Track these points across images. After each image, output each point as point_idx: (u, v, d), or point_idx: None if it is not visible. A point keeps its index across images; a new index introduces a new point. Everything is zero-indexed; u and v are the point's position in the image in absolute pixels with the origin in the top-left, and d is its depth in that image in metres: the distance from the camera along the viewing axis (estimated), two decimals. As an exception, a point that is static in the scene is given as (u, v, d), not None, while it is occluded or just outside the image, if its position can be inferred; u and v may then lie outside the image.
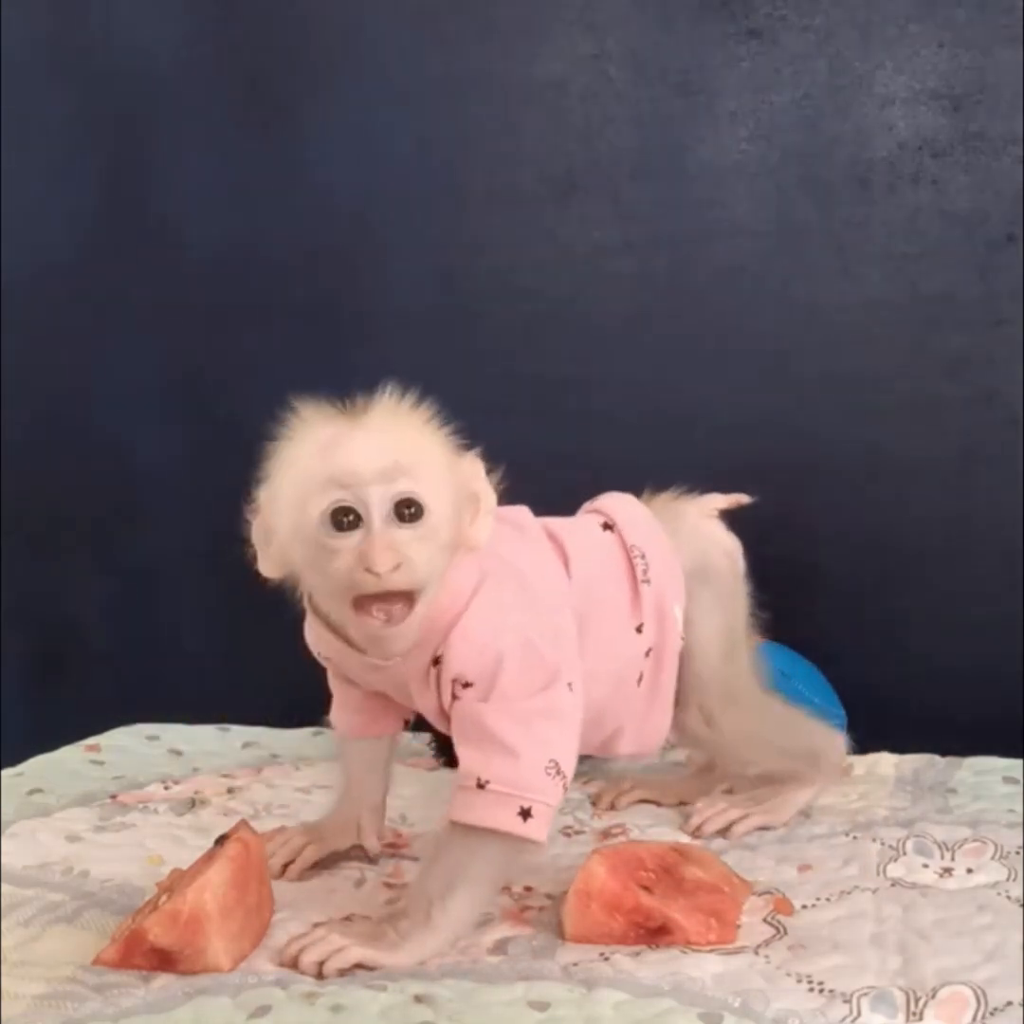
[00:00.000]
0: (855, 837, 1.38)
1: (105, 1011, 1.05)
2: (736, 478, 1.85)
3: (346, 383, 1.98)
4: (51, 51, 2.00)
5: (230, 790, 1.56)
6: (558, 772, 1.13)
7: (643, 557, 1.31)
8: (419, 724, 1.71)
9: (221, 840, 1.18)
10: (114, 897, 1.26)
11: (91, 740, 1.71)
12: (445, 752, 1.65)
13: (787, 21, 1.80)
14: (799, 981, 1.08)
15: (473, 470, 1.19)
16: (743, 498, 1.41)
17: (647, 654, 1.31)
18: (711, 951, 1.13)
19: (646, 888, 1.17)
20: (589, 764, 1.65)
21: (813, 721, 1.45)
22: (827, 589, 1.85)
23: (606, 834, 1.42)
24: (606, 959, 1.12)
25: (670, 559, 1.33)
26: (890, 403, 1.81)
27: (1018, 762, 1.58)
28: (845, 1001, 1.05)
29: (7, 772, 1.56)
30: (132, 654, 2.06)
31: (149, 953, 1.11)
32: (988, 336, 1.78)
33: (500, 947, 1.15)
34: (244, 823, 1.21)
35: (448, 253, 1.91)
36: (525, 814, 1.12)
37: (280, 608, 1.95)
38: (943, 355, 1.79)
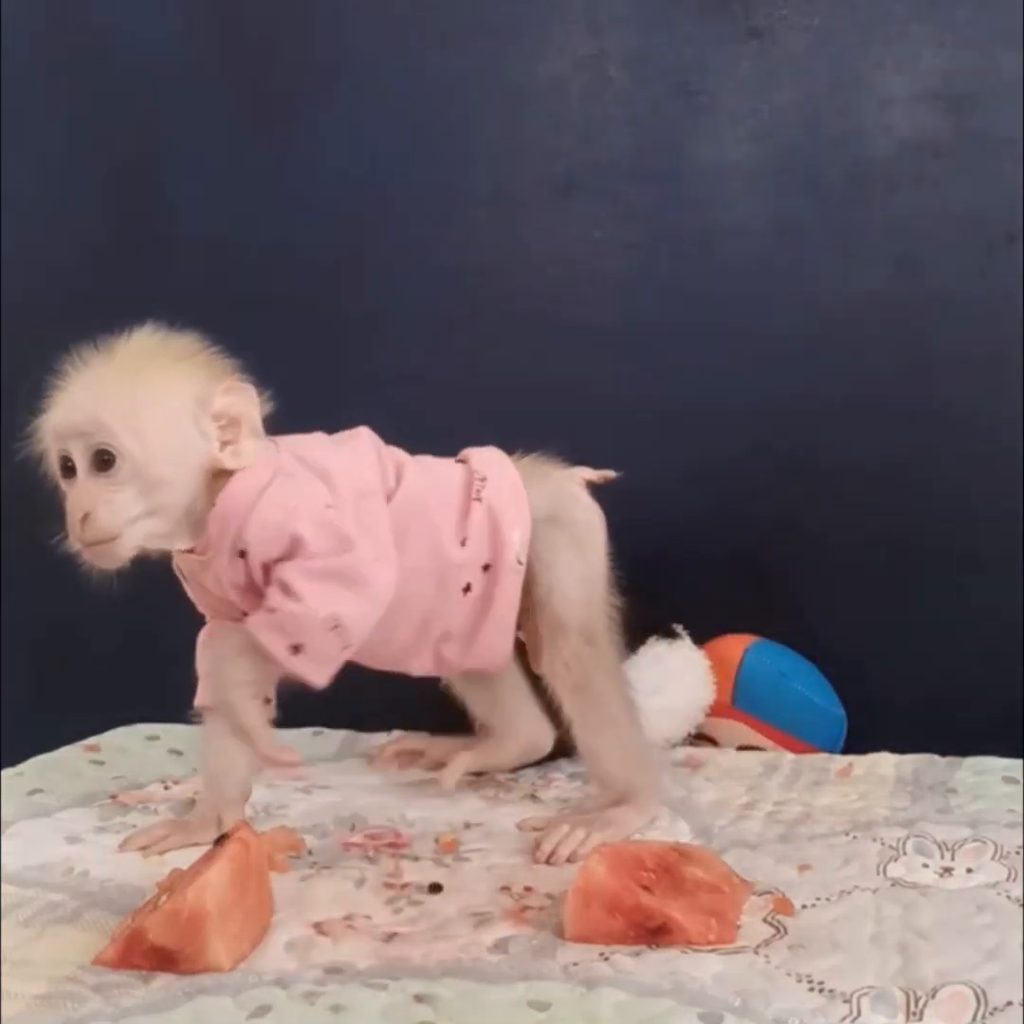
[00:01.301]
0: (855, 837, 1.38)
1: (105, 1011, 1.05)
2: (736, 478, 1.86)
3: (346, 383, 2.00)
4: (51, 51, 2.00)
5: (230, 790, 1.56)
6: (338, 627, 1.30)
7: (483, 480, 1.42)
8: (419, 724, 1.72)
9: (221, 840, 1.18)
10: (114, 897, 1.26)
11: (91, 740, 1.71)
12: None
13: (787, 21, 1.80)
14: (799, 981, 1.08)
15: (234, 397, 1.32)
16: (610, 474, 1.49)
17: (485, 569, 1.41)
18: (711, 951, 1.13)
19: (646, 888, 1.17)
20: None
21: (648, 744, 1.49)
22: (827, 589, 1.85)
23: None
24: (606, 959, 1.12)
25: (517, 492, 1.43)
26: (891, 402, 1.81)
27: (1018, 762, 1.58)
28: (845, 1001, 1.05)
29: (7, 772, 1.56)
30: (132, 654, 2.06)
31: (149, 953, 1.11)
32: (988, 336, 1.78)
33: (500, 947, 1.15)
34: (244, 823, 1.22)
35: (447, 253, 1.91)
36: (296, 649, 1.29)
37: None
38: (943, 355, 1.79)
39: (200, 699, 1.40)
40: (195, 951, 1.10)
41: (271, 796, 1.54)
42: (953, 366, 1.79)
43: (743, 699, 1.77)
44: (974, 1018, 1.02)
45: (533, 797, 1.54)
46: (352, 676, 1.89)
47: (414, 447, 1.93)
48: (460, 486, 1.43)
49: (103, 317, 2.03)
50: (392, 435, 1.94)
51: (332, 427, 1.95)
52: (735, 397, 1.85)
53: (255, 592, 1.33)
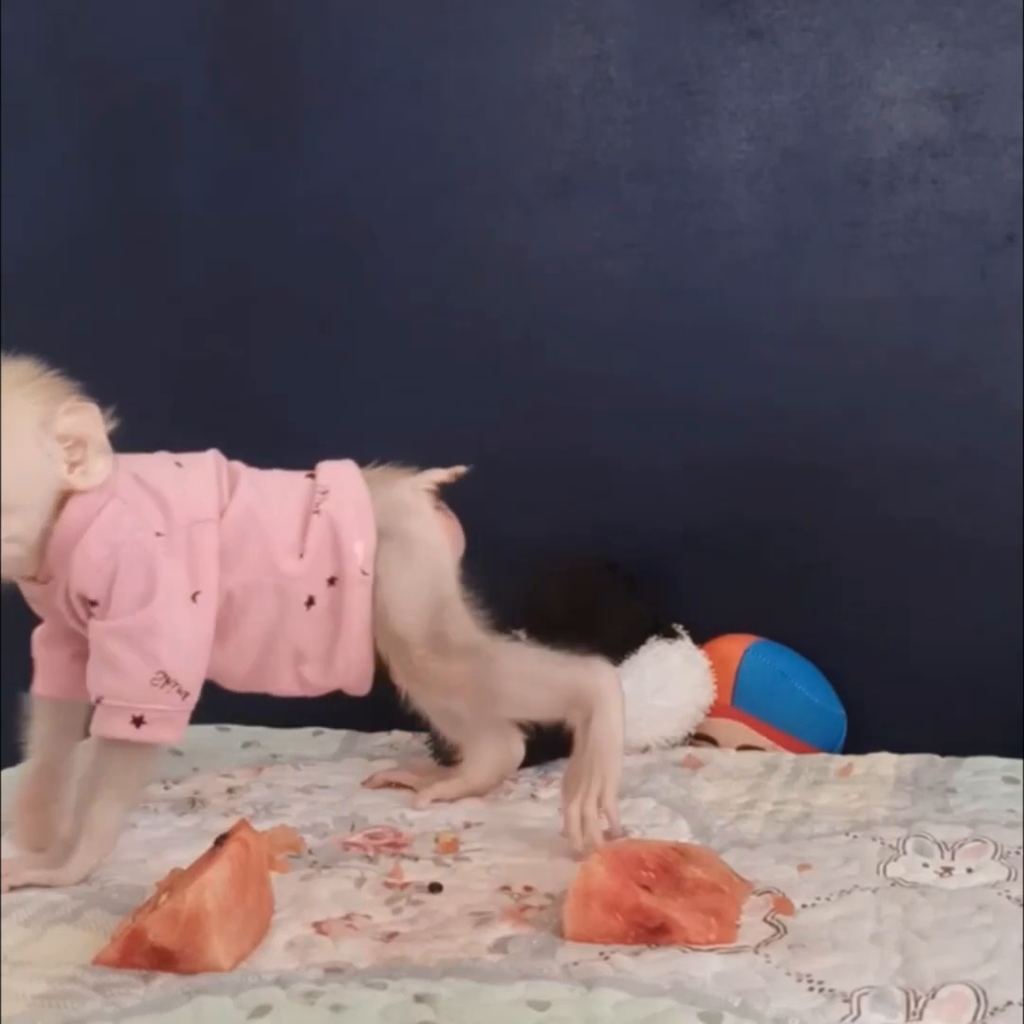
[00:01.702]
0: (855, 836, 1.38)
1: (105, 1011, 1.05)
2: (736, 478, 1.86)
3: (345, 382, 2.00)
4: (51, 51, 2.00)
5: (230, 790, 1.56)
6: (167, 681, 1.30)
7: (323, 493, 1.42)
8: (418, 725, 1.72)
9: (221, 840, 1.18)
10: (114, 897, 1.26)
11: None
12: (444, 752, 1.65)
13: (787, 21, 1.80)
14: (799, 980, 1.08)
15: (76, 416, 1.31)
16: (460, 470, 1.49)
17: (331, 582, 1.40)
18: (711, 950, 1.13)
19: (646, 887, 1.17)
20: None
21: (552, 666, 1.43)
22: (827, 589, 1.85)
23: (606, 835, 1.42)
24: (606, 958, 1.12)
25: (361, 504, 1.42)
26: (890, 403, 1.81)
27: (1018, 762, 1.58)
28: (845, 1000, 1.05)
29: (7, 772, 1.56)
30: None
31: (149, 952, 1.11)
32: (988, 336, 1.78)
33: (500, 946, 1.16)
34: (244, 823, 1.22)
35: (448, 253, 1.91)
36: (138, 722, 1.29)
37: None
38: (943, 355, 1.79)
39: (36, 688, 1.42)
40: (195, 951, 1.10)
41: (271, 796, 1.54)
42: (953, 366, 1.79)
43: (743, 699, 1.77)
44: (974, 1018, 1.03)
45: (533, 797, 1.54)
46: (352, 676, 1.90)
47: (414, 446, 1.94)
48: (299, 500, 1.42)
49: (103, 317, 2.04)
50: (392, 434, 1.95)
51: (332, 426, 1.96)
52: (735, 397, 1.84)
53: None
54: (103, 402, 2.02)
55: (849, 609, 1.84)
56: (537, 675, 1.43)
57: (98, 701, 1.30)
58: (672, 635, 1.77)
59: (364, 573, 1.41)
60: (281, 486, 1.43)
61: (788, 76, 1.80)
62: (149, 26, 1.96)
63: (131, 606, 1.30)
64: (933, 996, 1.05)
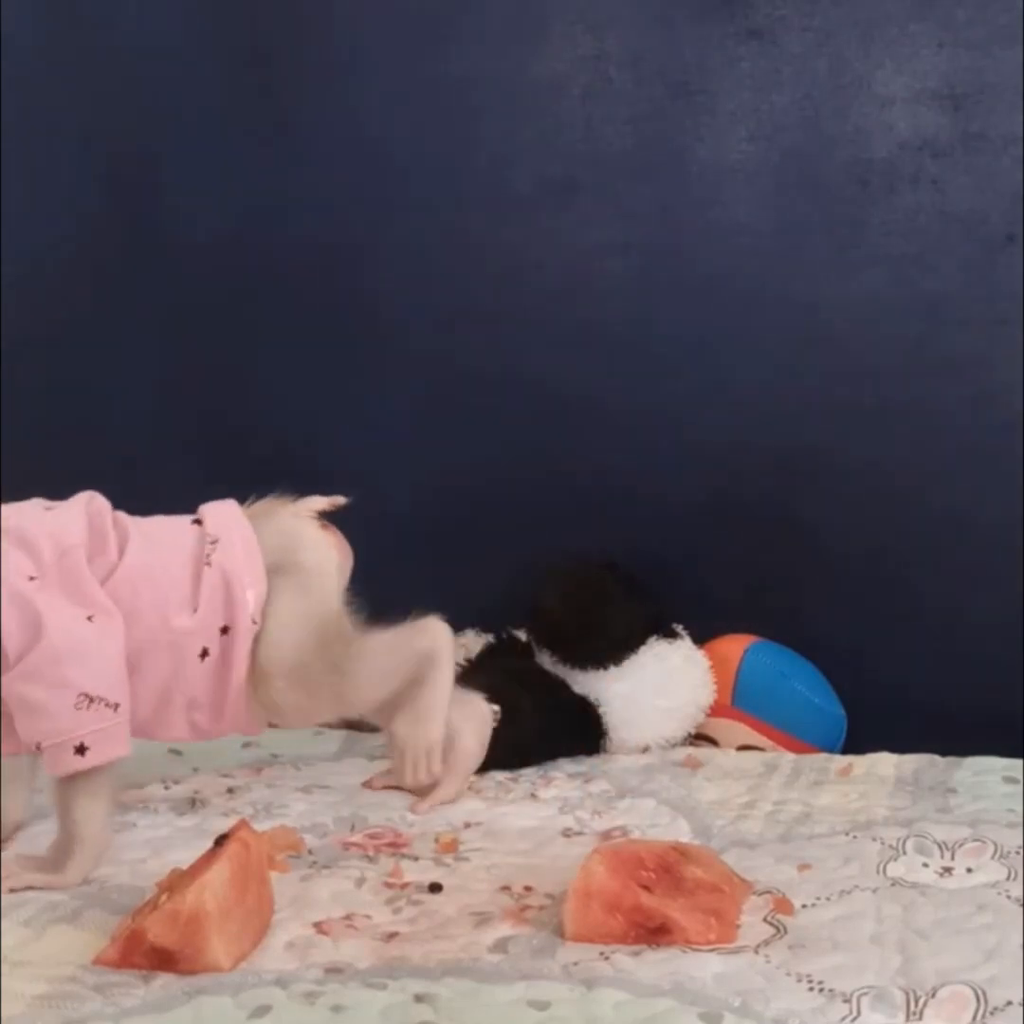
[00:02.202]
0: (855, 837, 1.38)
1: (105, 1011, 1.05)
2: (736, 477, 1.86)
3: (345, 382, 2.00)
4: (51, 51, 2.00)
5: (230, 790, 1.56)
6: (91, 701, 1.30)
7: (213, 543, 1.43)
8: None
9: (221, 840, 1.18)
10: (114, 897, 1.26)
11: (91, 740, 1.71)
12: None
13: (787, 21, 1.80)
14: (799, 980, 1.08)
15: None
16: (339, 500, 1.51)
17: (224, 631, 1.41)
18: (711, 950, 1.13)
19: (646, 888, 1.17)
20: (588, 764, 1.66)
21: (389, 645, 1.50)
22: (827, 589, 1.85)
23: (606, 835, 1.42)
24: (606, 958, 1.12)
25: (251, 550, 1.44)
26: (890, 403, 1.81)
27: (1018, 762, 1.58)
28: (845, 1000, 1.05)
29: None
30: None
31: (149, 953, 1.11)
32: (988, 336, 1.78)
33: (500, 946, 1.16)
34: (244, 823, 1.22)
35: (448, 253, 1.91)
36: (81, 750, 1.29)
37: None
38: (943, 355, 1.79)
39: None
40: (195, 951, 1.10)
41: (272, 796, 1.54)
42: (953, 366, 1.79)
43: (743, 699, 1.77)
44: (974, 1017, 1.03)
45: (533, 796, 1.54)
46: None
47: (413, 445, 1.95)
48: (190, 552, 1.42)
49: (103, 317, 2.04)
50: (392, 434, 1.95)
51: (332, 425, 1.96)
52: (735, 397, 1.84)
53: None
54: (101, 401, 2.04)
55: (849, 609, 1.84)
56: (386, 669, 1.48)
57: (38, 748, 1.31)
58: (672, 635, 1.77)
59: (254, 622, 1.42)
60: (170, 538, 1.44)
61: (788, 76, 1.80)
62: (149, 27, 1.96)
63: (25, 648, 1.30)
64: (933, 996, 1.05)
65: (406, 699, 1.49)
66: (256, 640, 1.43)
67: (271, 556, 1.44)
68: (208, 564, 1.41)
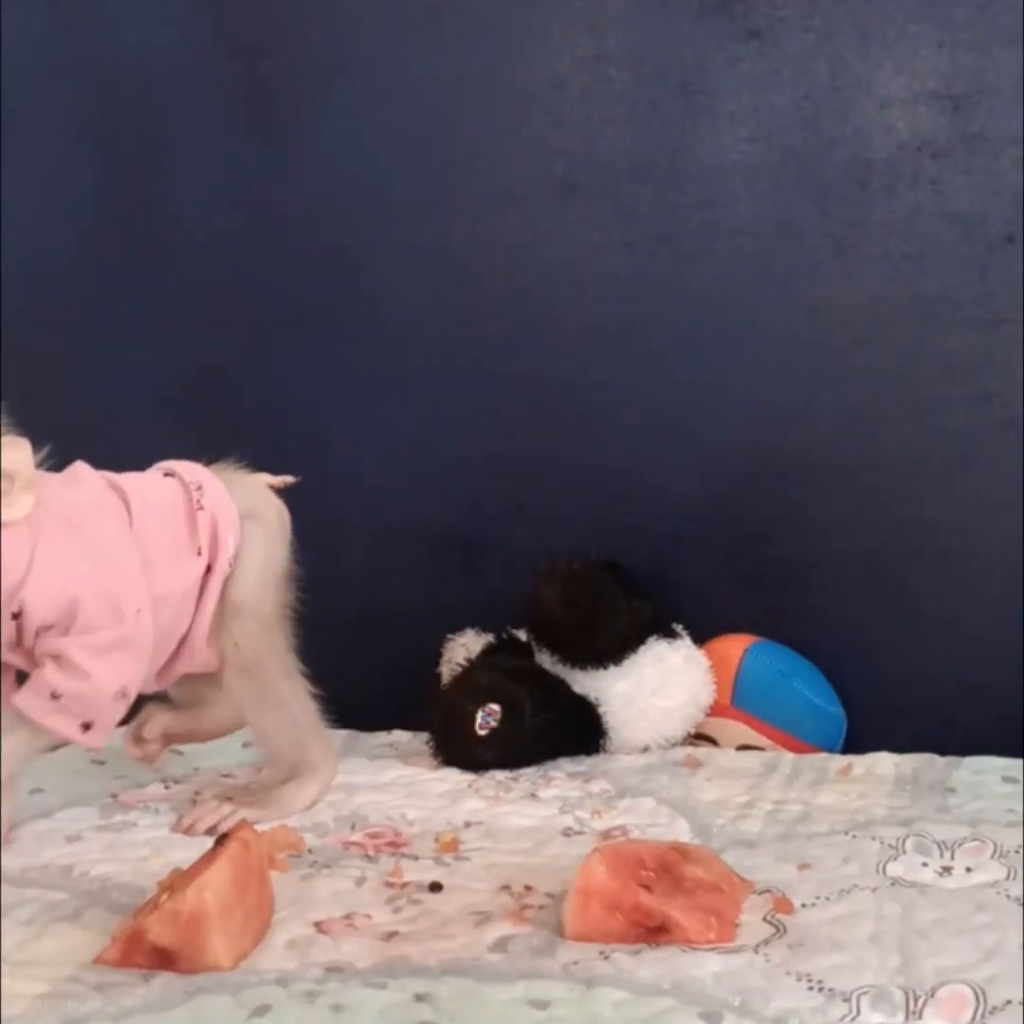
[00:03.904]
0: (854, 836, 1.38)
1: (106, 1010, 1.05)
2: (736, 477, 1.86)
3: (345, 382, 2.00)
4: (51, 51, 2.00)
5: (230, 790, 1.56)
6: (124, 695, 1.36)
7: (199, 488, 1.47)
8: (419, 724, 1.72)
9: (221, 840, 1.18)
10: (115, 896, 1.26)
11: (92, 740, 1.71)
12: (445, 751, 1.65)
13: (787, 21, 1.80)
14: (799, 980, 1.08)
15: (11, 452, 1.34)
16: (289, 479, 1.56)
17: (207, 571, 1.46)
18: (711, 950, 1.13)
19: (646, 887, 1.17)
20: (588, 764, 1.66)
21: (319, 723, 1.53)
22: (827, 589, 1.85)
23: (606, 835, 1.42)
24: (606, 958, 1.12)
25: (225, 497, 1.48)
26: (890, 403, 1.81)
27: (1017, 762, 1.58)
28: (845, 1000, 1.05)
29: (8, 772, 1.56)
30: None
31: (150, 952, 1.11)
32: (988, 336, 1.78)
33: (500, 946, 1.16)
34: (244, 823, 1.22)
35: (448, 253, 1.91)
36: (86, 727, 1.34)
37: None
38: (943, 355, 1.79)
39: None
40: (195, 950, 1.10)
41: (271, 795, 1.54)
42: (953, 366, 1.79)
43: (743, 699, 1.77)
44: (974, 1017, 1.03)
45: (533, 796, 1.55)
46: (352, 676, 1.90)
47: (413, 444, 1.95)
48: (183, 499, 1.46)
49: (103, 317, 2.04)
50: (392, 433, 1.95)
51: (332, 424, 1.96)
52: (735, 397, 1.85)
53: (27, 651, 1.36)
54: (101, 402, 2.04)
55: (849, 609, 1.85)
56: (306, 718, 1.51)
57: (55, 697, 1.33)
58: (672, 635, 1.77)
59: (230, 566, 1.47)
60: (158, 488, 1.47)
61: (788, 76, 1.80)
62: (149, 26, 1.96)
63: (100, 626, 1.33)
64: (933, 995, 1.05)
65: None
66: (228, 581, 1.47)
67: (241, 503, 1.49)
68: (201, 507, 1.45)
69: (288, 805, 1.48)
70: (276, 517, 1.53)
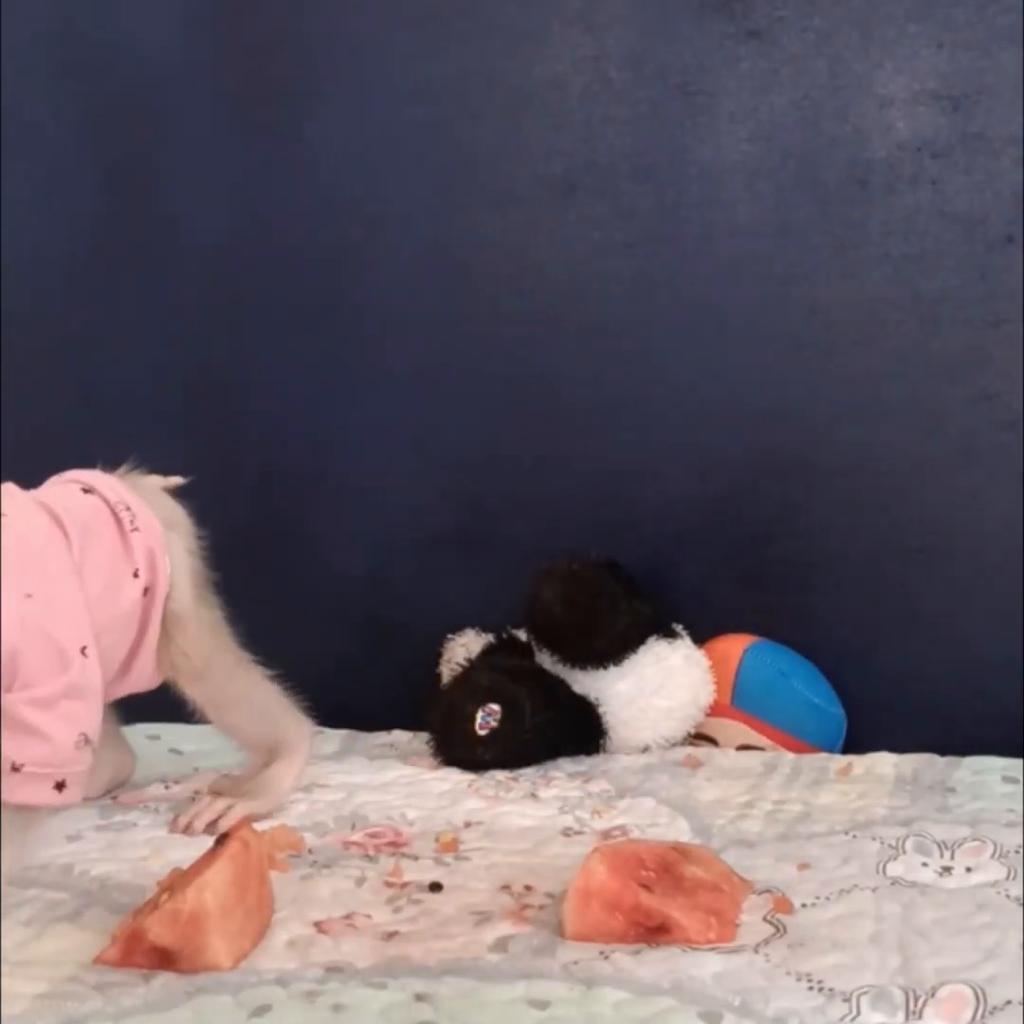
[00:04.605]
0: (854, 836, 1.38)
1: (106, 1010, 1.05)
2: (736, 477, 1.86)
3: (345, 382, 2.00)
4: (51, 51, 2.00)
5: (230, 790, 1.56)
6: (87, 742, 1.28)
7: (128, 509, 1.43)
8: (419, 724, 1.72)
9: (221, 840, 1.18)
10: (115, 896, 1.26)
11: (91, 740, 1.71)
12: (445, 751, 1.65)
13: (787, 21, 1.80)
14: (799, 980, 1.08)
15: None
16: (179, 480, 1.53)
17: (145, 594, 1.43)
18: (711, 950, 1.13)
19: (646, 887, 1.17)
20: (588, 764, 1.66)
21: (285, 703, 1.52)
22: (827, 589, 1.85)
23: (606, 835, 1.42)
24: (606, 958, 1.12)
25: (149, 513, 1.46)
26: (890, 403, 1.81)
27: (1017, 762, 1.58)
28: (845, 1000, 1.05)
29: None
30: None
31: (150, 952, 1.11)
32: (988, 336, 1.78)
33: (500, 946, 1.16)
34: (244, 823, 1.22)
35: (448, 253, 1.91)
36: (60, 786, 1.26)
37: (279, 609, 1.96)
38: (943, 355, 1.79)
39: None
40: (196, 950, 1.10)
41: (271, 795, 1.54)
42: (953, 366, 1.79)
43: (743, 699, 1.77)
44: (973, 1017, 1.03)
45: (533, 796, 1.55)
46: (352, 676, 1.90)
47: (412, 444, 1.94)
48: (111, 520, 1.42)
49: (104, 316, 2.04)
50: (392, 433, 1.95)
51: (331, 424, 1.96)
52: (735, 397, 1.84)
53: None
54: (101, 402, 2.04)
55: (849, 609, 1.85)
56: (271, 704, 1.50)
57: (16, 769, 1.24)
58: (672, 635, 1.77)
59: (169, 585, 1.44)
60: (91, 511, 1.41)
61: (788, 76, 1.80)
62: (148, 26, 1.96)
63: (47, 675, 1.26)
64: (933, 995, 1.05)
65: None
66: (166, 596, 1.45)
67: (163, 515, 1.47)
68: (136, 529, 1.42)
69: (278, 788, 1.48)
70: (187, 522, 1.51)
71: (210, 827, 1.40)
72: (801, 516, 1.85)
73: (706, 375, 1.85)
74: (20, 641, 1.25)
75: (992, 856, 1.32)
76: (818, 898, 1.24)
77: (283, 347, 1.97)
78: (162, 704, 1.71)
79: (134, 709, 1.77)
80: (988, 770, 1.57)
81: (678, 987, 1.07)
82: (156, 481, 1.52)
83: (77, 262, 2.02)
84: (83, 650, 1.30)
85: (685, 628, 1.79)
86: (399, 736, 1.76)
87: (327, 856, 1.36)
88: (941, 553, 1.82)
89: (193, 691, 1.48)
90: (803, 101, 1.80)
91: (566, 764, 1.65)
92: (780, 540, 1.86)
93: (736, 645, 1.81)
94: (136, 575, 1.41)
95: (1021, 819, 1.40)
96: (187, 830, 1.42)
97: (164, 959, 1.11)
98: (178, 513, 1.51)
